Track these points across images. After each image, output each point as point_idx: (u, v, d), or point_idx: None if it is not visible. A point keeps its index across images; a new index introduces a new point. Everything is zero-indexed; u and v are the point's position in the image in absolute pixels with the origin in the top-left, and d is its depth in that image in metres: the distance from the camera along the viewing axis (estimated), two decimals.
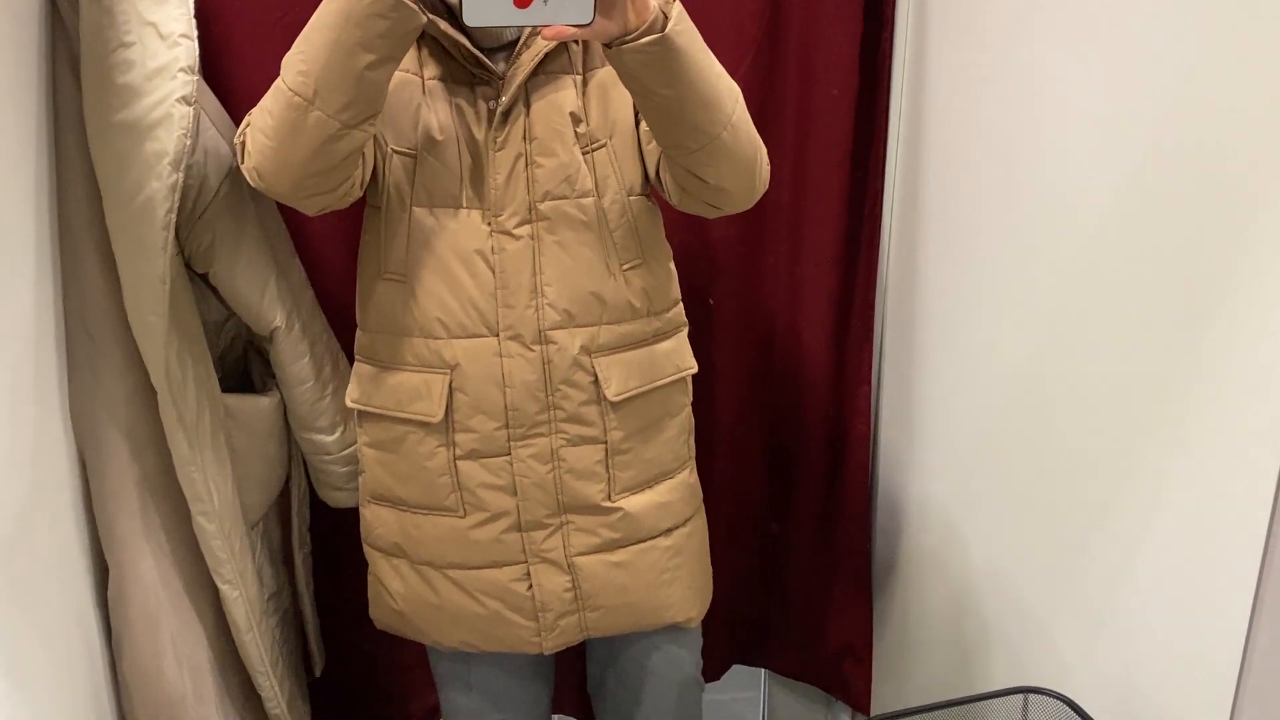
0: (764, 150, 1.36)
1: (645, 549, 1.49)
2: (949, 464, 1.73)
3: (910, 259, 1.80)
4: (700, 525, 1.59)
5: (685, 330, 1.54)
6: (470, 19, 1.09)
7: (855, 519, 1.99)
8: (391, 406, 1.43)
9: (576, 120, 1.36)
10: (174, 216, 1.29)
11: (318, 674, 1.83)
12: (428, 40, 1.36)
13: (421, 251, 1.37)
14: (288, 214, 1.63)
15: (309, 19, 1.30)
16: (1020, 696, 1.32)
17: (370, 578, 1.58)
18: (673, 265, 1.52)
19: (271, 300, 1.50)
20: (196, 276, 1.49)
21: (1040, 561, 1.46)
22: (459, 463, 1.41)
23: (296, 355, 1.55)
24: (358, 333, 1.49)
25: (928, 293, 1.75)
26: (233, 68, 1.60)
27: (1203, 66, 1.08)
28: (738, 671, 2.18)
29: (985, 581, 1.62)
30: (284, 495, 1.72)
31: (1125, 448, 1.25)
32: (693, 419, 1.57)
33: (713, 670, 2.15)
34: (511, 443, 1.40)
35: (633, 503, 1.46)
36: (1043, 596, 1.45)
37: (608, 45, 1.15)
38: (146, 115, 1.27)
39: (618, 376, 1.41)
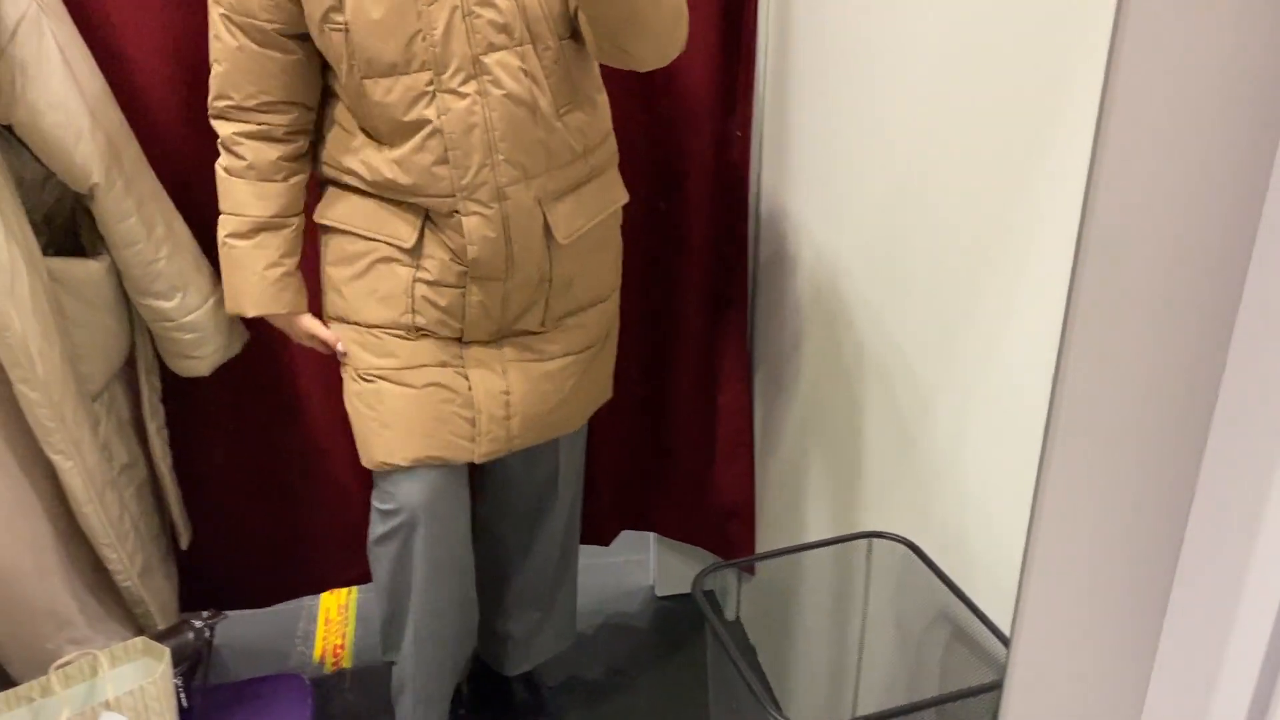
0: (686, 16, 1.33)
1: (567, 363, 1.58)
2: (819, 322, 1.70)
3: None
4: (612, 345, 1.70)
5: (616, 161, 1.57)
6: None
7: (736, 379, 1.97)
8: (362, 227, 1.45)
9: None
10: None
11: (184, 545, 1.79)
12: None
13: (378, 120, 1.36)
14: (108, 61, 1.52)
15: None
16: (866, 541, 1.32)
17: (345, 390, 1.56)
18: (604, 97, 1.52)
19: (87, 154, 1.40)
20: (5, 130, 1.38)
21: (889, 417, 1.44)
22: (416, 285, 1.45)
23: (122, 214, 1.46)
24: (326, 168, 1.49)
25: (799, 141, 1.70)
26: None
27: None
28: (626, 535, 2.19)
29: (854, 439, 1.61)
30: (131, 365, 1.65)
31: (966, 305, 1.22)
32: (622, 245, 1.64)
33: (603, 536, 2.16)
34: (470, 281, 1.45)
35: (561, 326, 1.56)
36: (895, 452, 1.44)
37: None
38: None
39: (565, 220, 1.47)
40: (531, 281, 1.48)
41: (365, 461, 1.54)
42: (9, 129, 1.37)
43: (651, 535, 2.24)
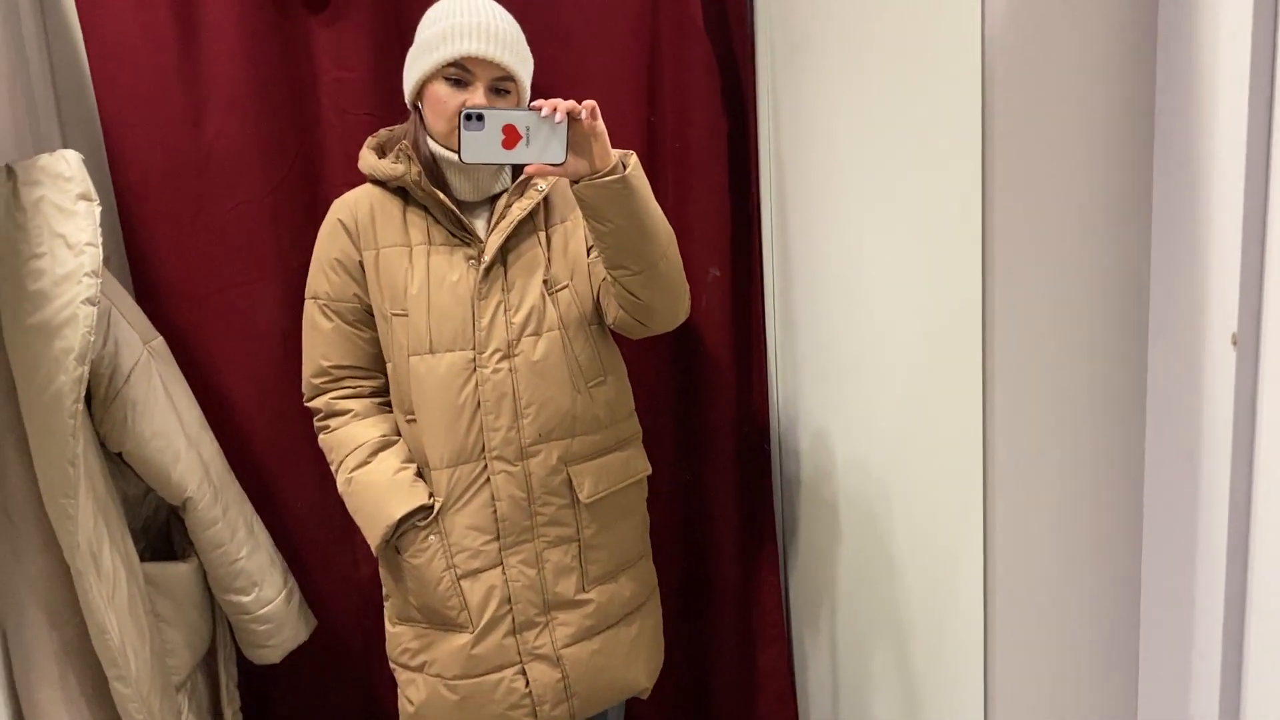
0: (687, 287, 1.63)
1: (614, 633, 1.69)
2: (838, 590, 1.81)
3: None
4: (655, 605, 1.81)
5: (640, 437, 1.76)
6: (467, 157, 1.39)
7: (773, 639, 2.06)
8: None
9: (545, 269, 1.61)
10: (80, 405, 1.42)
11: None
12: (416, 209, 1.62)
13: (423, 392, 1.59)
14: (201, 382, 1.77)
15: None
16: None
17: (399, 693, 1.70)
18: (628, 382, 1.74)
19: (183, 473, 1.62)
20: (116, 457, 1.61)
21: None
22: (462, 582, 1.60)
23: (209, 522, 1.66)
24: None
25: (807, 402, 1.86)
26: (150, 256, 1.77)
27: None
28: None
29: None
30: (211, 653, 1.81)
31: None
32: (648, 516, 1.79)
33: None
34: (503, 553, 1.61)
35: (601, 592, 1.67)
36: None
37: (575, 181, 1.43)
38: (55, 316, 1.40)
39: (590, 481, 1.64)
40: (563, 540, 1.62)
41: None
42: (119, 455, 1.60)
43: None
